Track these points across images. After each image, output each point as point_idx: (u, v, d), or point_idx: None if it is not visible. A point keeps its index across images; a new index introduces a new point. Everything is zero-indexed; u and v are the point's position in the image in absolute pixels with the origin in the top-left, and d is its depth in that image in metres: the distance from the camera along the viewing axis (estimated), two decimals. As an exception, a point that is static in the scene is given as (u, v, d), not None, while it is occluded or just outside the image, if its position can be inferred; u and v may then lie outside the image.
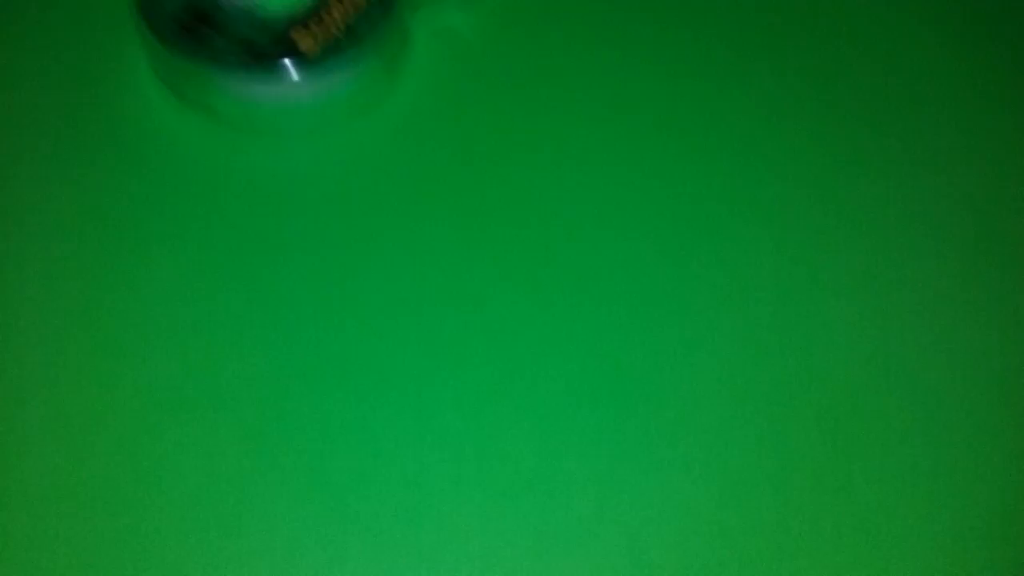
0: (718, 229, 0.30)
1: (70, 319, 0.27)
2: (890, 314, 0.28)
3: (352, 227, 0.29)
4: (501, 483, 0.26)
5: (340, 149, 0.31)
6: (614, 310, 0.28)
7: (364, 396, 0.27)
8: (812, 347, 0.28)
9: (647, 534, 0.25)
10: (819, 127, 0.32)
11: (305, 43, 0.30)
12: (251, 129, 0.31)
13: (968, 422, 0.27)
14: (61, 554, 0.24)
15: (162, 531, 0.25)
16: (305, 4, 0.30)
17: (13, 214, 0.29)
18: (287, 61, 0.29)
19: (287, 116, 0.31)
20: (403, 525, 0.25)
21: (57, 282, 0.28)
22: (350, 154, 0.31)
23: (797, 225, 0.30)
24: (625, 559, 0.25)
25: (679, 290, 0.29)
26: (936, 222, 0.30)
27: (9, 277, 0.28)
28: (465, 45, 0.33)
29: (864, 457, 0.26)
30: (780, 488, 0.26)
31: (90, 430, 0.26)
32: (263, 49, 0.29)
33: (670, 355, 0.27)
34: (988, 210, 0.30)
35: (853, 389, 0.27)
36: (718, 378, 0.27)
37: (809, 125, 0.32)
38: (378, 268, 0.29)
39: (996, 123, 0.32)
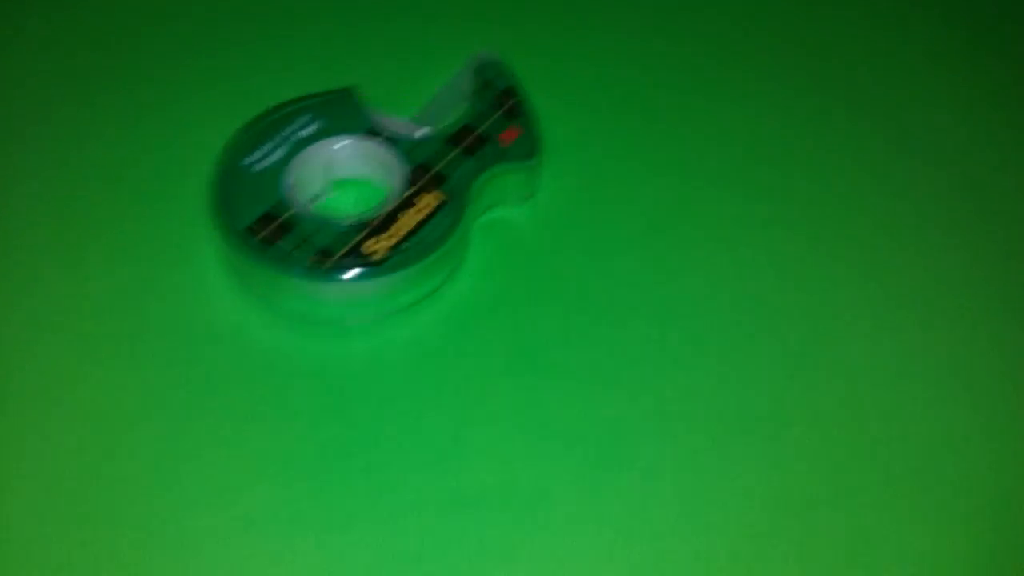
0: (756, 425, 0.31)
1: (144, 496, 0.29)
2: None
3: (406, 414, 0.31)
4: None
5: (399, 339, 0.32)
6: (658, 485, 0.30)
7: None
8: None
9: None
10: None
11: (374, 250, 0.31)
12: (315, 322, 0.32)
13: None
14: None
15: None
16: (376, 213, 0.32)
17: (87, 396, 0.31)
18: (355, 266, 0.31)
19: (350, 312, 0.32)
20: None
21: (127, 462, 0.29)
22: (408, 344, 0.32)
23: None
24: None
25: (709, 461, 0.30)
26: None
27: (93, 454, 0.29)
28: (520, 237, 0.35)
29: None
30: None
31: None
32: (334, 255, 0.31)
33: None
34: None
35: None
36: None
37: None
38: (430, 459, 0.30)
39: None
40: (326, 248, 0.31)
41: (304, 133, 0.34)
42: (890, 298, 0.34)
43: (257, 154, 0.33)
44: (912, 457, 0.31)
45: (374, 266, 0.31)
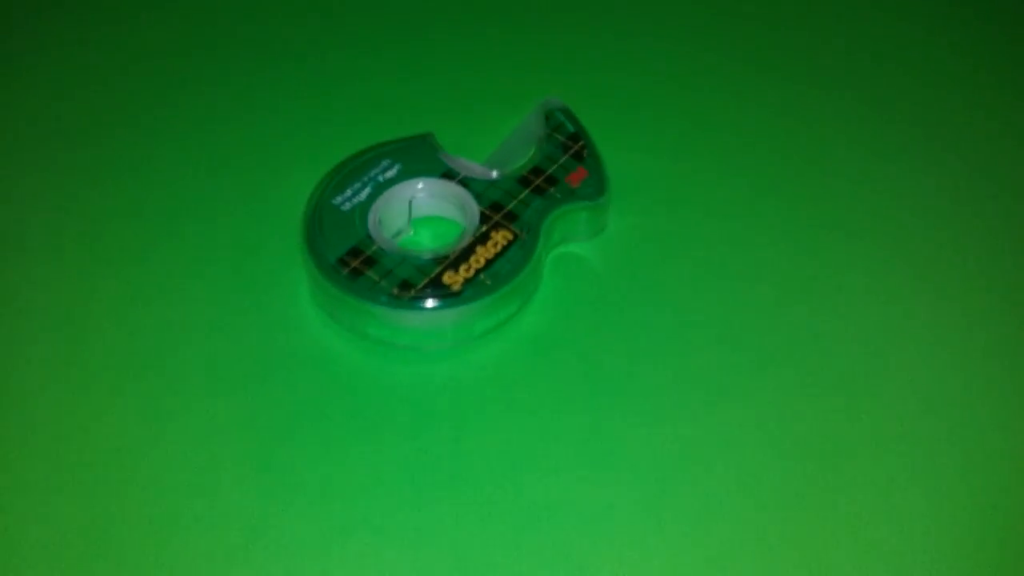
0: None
1: (233, 512, 0.31)
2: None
3: (480, 433, 0.33)
4: None
5: (474, 364, 0.35)
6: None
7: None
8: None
9: None
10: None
11: (452, 281, 0.34)
12: (397, 348, 0.35)
13: None
14: None
15: None
16: (452, 248, 0.35)
17: (190, 413, 0.33)
18: (434, 296, 0.33)
19: (429, 339, 0.35)
20: None
21: (226, 474, 0.32)
22: (482, 368, 0.34)
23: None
24: None
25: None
26: None
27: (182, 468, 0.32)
28: (589, 271, 0.37)
29: None
30: None
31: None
32: (415, 286, 0.34)
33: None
34: None
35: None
36: None
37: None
38: (502, 474, 0.32)
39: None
40: (407, 280, 0.34)
41: (387, 176, 0.37)
42: (960, 335, 0.35)
43: (345, 194, 0.36)
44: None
45: (452, 297, 0.33)
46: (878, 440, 0.33)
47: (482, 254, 0.35)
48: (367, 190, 0.36)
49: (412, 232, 0.37)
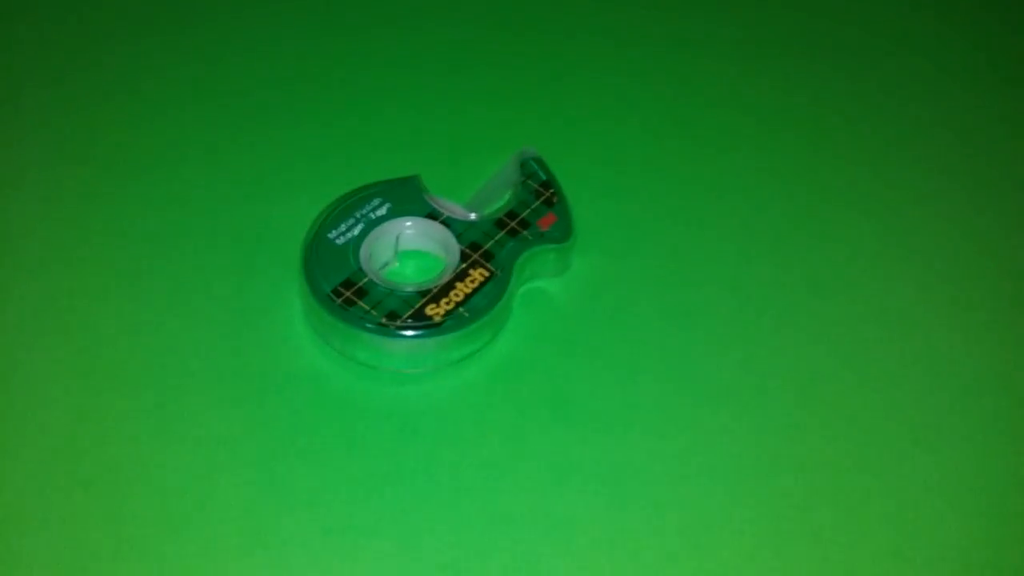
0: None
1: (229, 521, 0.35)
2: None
3: (455, 449, 0.37)
4: None
5: (451, 388, 0.39)
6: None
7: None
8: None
9: None
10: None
11: (434, 313, 0.38)
12: (383, 370, 0.39)
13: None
14: None
15: None
16: (435, 282, 0.39)
17: (188, 428, 0.37)
18: (417, 326, 0.38)
19: (412, 364, 0.39)
20: None
21: (223, 482, 0.36)
22: (458, 392, 0.39)
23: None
24: None
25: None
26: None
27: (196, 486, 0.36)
28: (555, 305, 0.41)
29: None
30: None
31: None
32: (401, 317, 0.38)
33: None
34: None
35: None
36: None
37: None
38: (474, 487, 0.36)
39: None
40: (394, 311, 0.38)
41: (377, 213, 0.41)
42: (923, 370, 0.40)
43: (340, 229, 0.40)
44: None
45: (433, 327, 0.38)
46: (836, 456, 0.37)
47: (461, 289, 0.39)
48: (360, 226, 0.40)
49: (398, 264, 0.42)
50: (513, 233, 0.41)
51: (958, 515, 0.36)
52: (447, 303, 0.38)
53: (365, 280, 0.39)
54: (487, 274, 0.39)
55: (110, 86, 0.48)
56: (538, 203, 0.42)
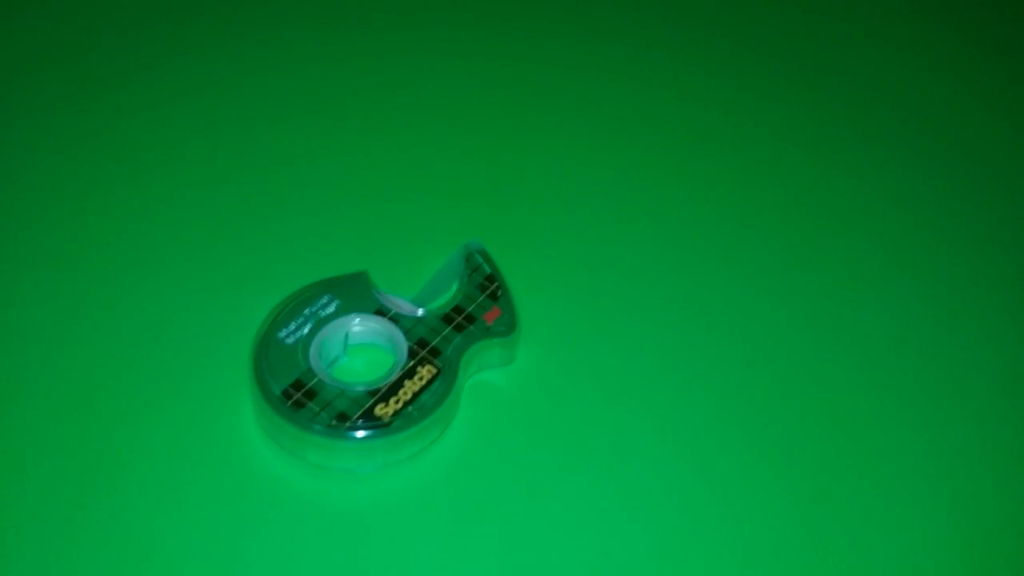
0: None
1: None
2: None
3: (406, 546, 0.38)
4: None
5: (401, 484, 0.40)
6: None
7: None
8: None
9: None
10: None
11: (383, 413, 0.39)
12: (332, 470, 0.39)
13: None
14: None
15: None
16: (383, 381, 0.40)
17: (132, 535, 0.37)
18: (367, 427, 0.38)
19: (362, 463, 0.40)
20: None
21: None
22: (409, 488, 0.39)
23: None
24: None
25: None
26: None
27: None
28: (501, 396, 0.42)
29: None
30: None
31: None
32: (350, 418, 0.38)
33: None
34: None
35: None
36: None
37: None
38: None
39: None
40: (344, 412, 0.39)
41: (326, 311, 0.42)
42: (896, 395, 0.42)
43: (289, 328, 0.41)
44: None
45: (382, 427, 0.38)
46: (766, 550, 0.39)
47: (409, 387, 0.40)
48: (309, 324, 0.41)
49: (347, 359, 0.42)
50: (459, 328, 0.42)
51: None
52: (396, 402, 0.39)
53: (315, 380, 0.39)
54: (435, 371, 0.40)
55: (58, 184, 0.49)
56: (483, 297, 0.43)
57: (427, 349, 0.41)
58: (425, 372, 0.40)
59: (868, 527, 0.39)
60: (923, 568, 0.38)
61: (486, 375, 0.43)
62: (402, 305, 0.42)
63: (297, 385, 0.39)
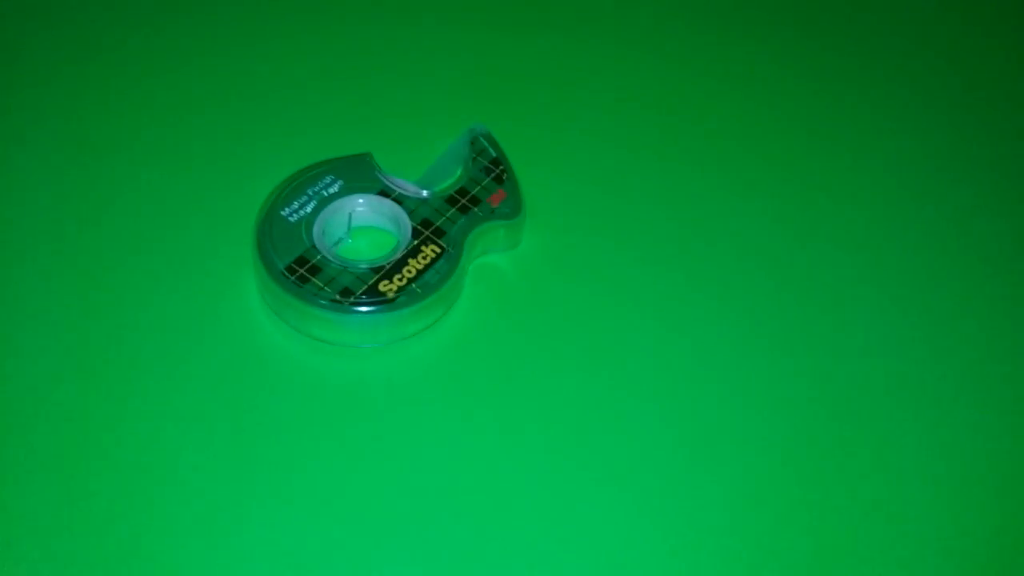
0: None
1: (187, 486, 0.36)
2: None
3: (408, 421, 0.38)
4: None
5: (405, 362, 0.40)
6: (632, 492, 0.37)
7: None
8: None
9: None
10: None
11: (387, 289, 0.39)
12: (337, 347, 0.40)
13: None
14: None
15: None
16: (388, 259, 0.39)
17: (141, 410, 0.38)
18: (371, 303, 0.38)
19: (366, 339, 0.40)
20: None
21: (179, 458, 0.37)
22: (412, 365, 0.40)
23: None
24: None
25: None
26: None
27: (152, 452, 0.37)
28: (505, 279, 0.42)
29: None
30: None
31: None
32: (355, 293, 0.38)
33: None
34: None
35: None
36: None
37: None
38: (425, 454, 0.37)
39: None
40: (348, 287, 0.39)
41: (330, 191, 0.41)
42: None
43: (292, 206, 0.41)
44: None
45: (387, 303, 0.38)
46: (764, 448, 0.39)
47: (413, 265, 0.40)
48: (312, 203, 0.41)
49: (351, 241, 0.42)
50: (464, 210, 0.41)
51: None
52: (400, 279, 0.39)
53: (318, 257, 0.39)
54: (439, 250, 0.40)
55: (57, 74, 0.48)
56: (488, 180, 0.42)
57: (431, 229, 0.41)
58: (429, 251, 0.40)
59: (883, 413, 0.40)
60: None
61: (491, 258, 0.43)
62: (406, 187, 0.42)
63: (300, 261, 0.39)
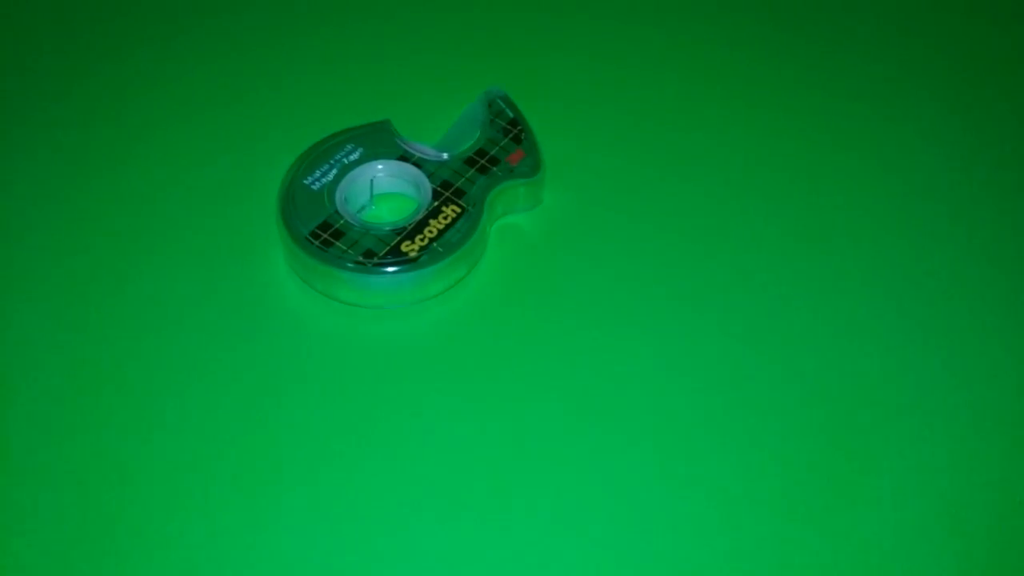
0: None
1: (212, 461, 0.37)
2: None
3: (433, 380, 0.39)
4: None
5: (429, 322, 0.40)
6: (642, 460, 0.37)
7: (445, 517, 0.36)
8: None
9: None
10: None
11: (409, 249, 0.39)
12: (364, 308, 0.40)
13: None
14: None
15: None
16: (409, 220, 0.40)
17: (170, 375, 0.39)
18: (394, 263, 0.39)
19: (390, 300, 0.40)
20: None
21: (208, 420, 0.37)
22: (436, 325, 0.40)
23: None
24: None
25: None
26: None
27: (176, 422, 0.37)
28: (528, 239, 0.43)
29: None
30: None
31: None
32: (378, 255, 0.39)
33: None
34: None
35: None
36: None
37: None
38: (449, 414, 0.38)
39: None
40: (371, 249, 0.39)
41: (350, 159, 0.42)
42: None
43: (315, 175, 0.41)
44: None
45: (410, 263, 0.39)
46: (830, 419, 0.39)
47: (434, 226, 0.40)
48: (334, 171, 0.42)
49: (374, 207, 0.43)
50: (483, 170, 0.42)
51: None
52: (421, 239, 0.40)
53: (341, 222, 0.40)
54: (459, 210, 0.40)
55: (85, 52, 0.49)
56: (506, 140, 0.43)
57: (451, 191, 0.41)
58: (450, 211, 0.40)
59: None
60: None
61: (513, 218, 0.43)
62: (425, 151, 0.42)
63: (324, 226, 0.40)
